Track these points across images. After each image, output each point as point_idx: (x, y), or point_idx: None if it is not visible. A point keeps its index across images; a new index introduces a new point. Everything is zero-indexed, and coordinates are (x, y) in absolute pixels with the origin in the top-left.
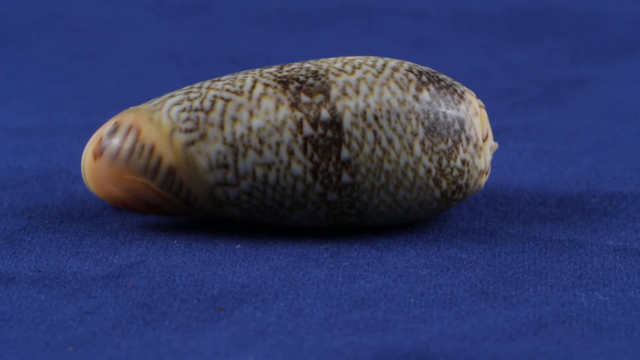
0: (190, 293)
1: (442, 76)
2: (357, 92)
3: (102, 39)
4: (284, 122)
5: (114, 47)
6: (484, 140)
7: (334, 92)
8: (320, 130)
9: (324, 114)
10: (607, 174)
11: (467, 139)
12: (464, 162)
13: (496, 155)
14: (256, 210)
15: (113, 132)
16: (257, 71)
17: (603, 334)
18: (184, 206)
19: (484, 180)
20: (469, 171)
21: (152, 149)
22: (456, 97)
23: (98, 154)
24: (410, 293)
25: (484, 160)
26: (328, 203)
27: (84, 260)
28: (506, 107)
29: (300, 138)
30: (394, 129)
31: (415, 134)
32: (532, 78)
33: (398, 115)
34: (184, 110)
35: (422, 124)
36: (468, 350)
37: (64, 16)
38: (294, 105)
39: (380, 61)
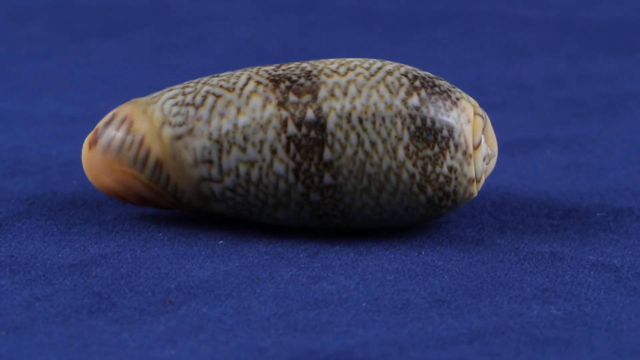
0: (148, 285)
1: (440, 82)
2: (345, 94)
3: (199, 32)
4: (269, 121)
5: (208, 41)
6: (476, 147)
7: (322, 92)
8: (304, 130)
9: (309, 114)
10: (626, 189)
11: (456, 146)
12: (451, 168)
13: (526, 165)
14: (241, 207)
15: (108, 122)
16: (255, 69)
17: (536, 348)
18: (173, 200)
19: (475, 188)
20: (456, 178)
21: (141, 141)
22: (448, 103)
23: (93, 143)
24: (366, 297)
25: (475, 168)
26: (311, 203)
27: (62, 248)
28: (562, 117)
29: (283, 137)
30: (378, 133)
31: (399, 139)
32: (604, 90)
33: (383, 119)
34: (176, 104)
35: (408, 128)
36: (392, 356)
37: (170, 7)
38: (281, 104)
39: (377, 64)
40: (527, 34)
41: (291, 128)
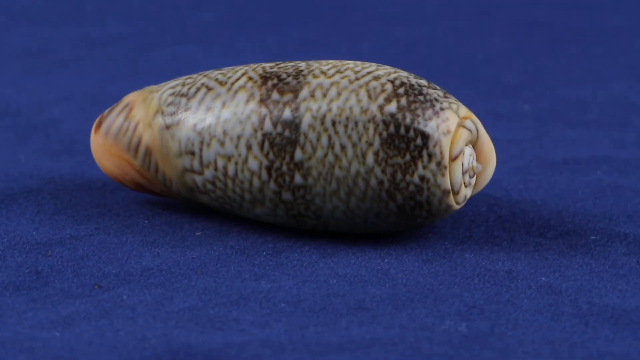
0: (91, 269)
1: (431, 91)
2: (325, 95)
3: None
4: (248, 117)
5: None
6: (453, 159)
7: (304, 93)
8: (279, 128)
9: (287, 113)
10: (638, 214)
11: (429, 156)
12: (422, 178)
13: (566, 183)
14: (223, 200)
15: (113, 107)
16: (255, 65)
17: None
18: (164, 188)
19: (453, 200)
20: (429, 189)
21: (135, 128)
22: (429, 112)
23: (97, 127)
24: (291, 298)
25: (451, 180)
26: (284, 202)
27: (42, 227)
28: (634, 138)
29: (259, 134)
30: (349, 136)
31: (370, 144)
32: None
33: (356, 123)
34: (173, 94)
35: (380, 134)
36: (262, 357)
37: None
38: (263, 101)
39: (369, 69)
40: None
41: (267, 125)
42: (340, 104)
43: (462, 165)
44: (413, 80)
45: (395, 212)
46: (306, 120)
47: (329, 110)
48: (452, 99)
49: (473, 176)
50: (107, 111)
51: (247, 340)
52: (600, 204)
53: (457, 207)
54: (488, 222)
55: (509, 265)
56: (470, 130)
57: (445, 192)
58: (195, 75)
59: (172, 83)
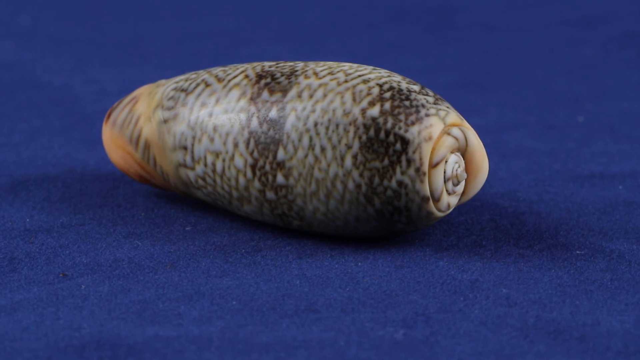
0: (63, 258)
1: (420, 96)
2: (311, 96)
3: None
4: (238, 114)
5: None
6: (433, 166)
7: (291, 93)
8: (264, 127)
9: (273, 112)
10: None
11: (408, 162)
12: (400, 184)
13: (574, 197)
14: (214, 197)
15: (123, 99)
16: (256, 64)
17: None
18: (164, 182)
19: (433, 208)
20: (407, 194)
21: (137, 121)
22: (412, 118)
23: (107, 118)
24: (245, 296)
25: (430, 187)
26: (268, 202)
27: (36, 214)
28: None
29: (246, 132)
30: (330, 138)
31: (349, 147)
32: None
33: (337, 125)
34: (175, 88)
35: (359, 138)
36: (185, 353)
37: None
38: (253, 100)
39: (361, 72)
40: None
41: (254, 124)
42: (324, 106)
43: (445, 172)
44: (404, 85)
45: (374, 216)
46: (290, 120)
47: (313, 111)
48: (442, 106)
49: (457, 184)
50: (117, 103)
51: (179, 335)
52: (605, 219)
53: (439, 214)
54: (482, 231)
55: (477, 275)
56: (456, 138)
57: (425, 199)
58: (201, 71)
59: (179, 77)
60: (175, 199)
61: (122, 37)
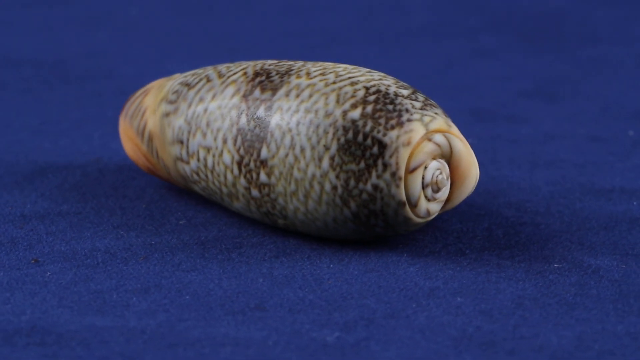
0: (44, 244)
1: (406, 101)
2: (298, 96)
3: None
4: (229, 111)
5: None
6: (410, 171)
7: (281, 92)
8: (251, 125)
9: (260, 110)
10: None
11: (384, 166)
12: (376, 187)
13: (583, 211)
14: (208, 192)
15: (137, 91)
16: (259, 61)
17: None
18: (167, 175)
19: (411, 213)
20: (382, 199)
21: (143, 114)
22: (392, 122)
23: (122, 109)
24: (202, 292)
25: (406, 192)
26: (254, 199)
27: (40, 200)
28: None
29: (235, 128)
30: (309, 139)
31: (327, 148)
32: None
33: (318, 126)
34: (181, 83)
35: (338, 140)
36: (108, 343)
37: None
38: (245, 97)
39: (355, 73)
40: None
41: (242, 121)
42: (308, 106)
43: (423, 178)
44: (392, 88)
45: (351, 219)
46: (275, 119)
47: (297, 111)
48: (429, 112)
49: (438, 191)
50: (132, 94)
51: (113, 326)
52: (602, 234)
53: (419, 220)
54: (472, 239)
55: (440, 283)
56: (438, 145)
57: (401, 204)
58: (209, 67)
59: (190, 72)
60: (182, 193)
61: (217, 31)
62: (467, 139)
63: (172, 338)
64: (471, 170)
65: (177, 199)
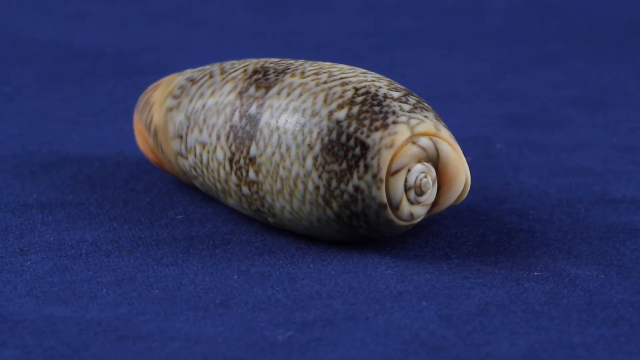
0: (36, 233)
1: (394, 103)
2: (288, 95)
3: None
4: (224, 107)
5: None
6: (392, 174)
7: (273, 90)
8: (243, 122)
9: (253, 108)
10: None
11: (366, 167)
12: (357, 189)
13: (585, 220)
14: (206, 188)
15: (149, 86)
16: (262, 59)
17: None
18: (172, 169)
19: (392, 215)
20: (363, 200)
21: (151, 108)
22: (377, 124)
23: (136, 104)
24: (172, 287)
25: (387, 194)
26: (245, 196)
27: (47, 190)
28: None
29: (228, 125)
30: (295, 138)
31: (311, 148)
32: None
33: (304, 126)
34: (187, 78)
35: (322, 139)
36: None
37: None
38: (240, 94)
39: (349, 74)
40: None
41: (235, 118)
42: (297, 105)
43: (406, 181)
44: (383, 90)
45: (334, 219)
46: (265, 117)
47: (285, 109)
48: (418, 115)
49: (421, 194)
50: (146, 89)
51: (72, 317)
52: (596, 244)
53: (402, 223)
54: (462, 245)
55: (411, 286)
56: (423, 148)
57: (382, 206)
58: (216, 63)
59: (198, 68)
60: (189, 188)
61: (287, 29)
62: (495, 143)
63: (125, 331)
64: (459, 173)
65: (183, 194)
